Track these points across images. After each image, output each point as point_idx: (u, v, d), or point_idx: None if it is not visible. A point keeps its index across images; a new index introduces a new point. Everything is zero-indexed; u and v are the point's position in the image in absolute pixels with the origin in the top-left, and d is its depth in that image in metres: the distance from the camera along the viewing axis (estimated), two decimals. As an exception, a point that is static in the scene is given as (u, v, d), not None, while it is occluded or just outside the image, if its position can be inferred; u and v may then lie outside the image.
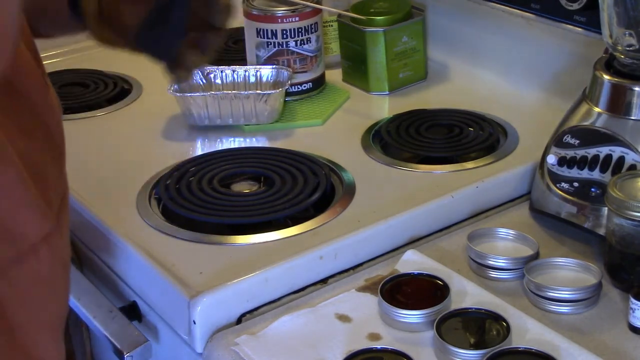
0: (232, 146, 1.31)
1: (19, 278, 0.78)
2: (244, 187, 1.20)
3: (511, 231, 1.07)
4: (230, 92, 1.34)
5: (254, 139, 1.33)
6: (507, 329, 0.90)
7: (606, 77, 1.07)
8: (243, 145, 1.31)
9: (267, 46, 1.40)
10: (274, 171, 1.20)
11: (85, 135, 1.36)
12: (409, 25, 1.44)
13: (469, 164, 1.21)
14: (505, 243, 1.06)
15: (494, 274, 1.02)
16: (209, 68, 1.41)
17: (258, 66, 1.41)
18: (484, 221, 1.14)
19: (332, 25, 1.52)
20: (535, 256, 1.03)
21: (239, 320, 0.99)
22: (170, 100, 1.36)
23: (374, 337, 0.93)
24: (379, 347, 0.91)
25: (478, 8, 1.44)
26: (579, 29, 1.29)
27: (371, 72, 1.44)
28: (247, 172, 1.22)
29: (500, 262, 1.02)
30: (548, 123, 1.15)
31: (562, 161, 1.08)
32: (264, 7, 1.40)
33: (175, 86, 1.35)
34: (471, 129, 1.29)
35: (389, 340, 0.92)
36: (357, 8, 1.46)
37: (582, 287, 0.96)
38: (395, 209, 1.11)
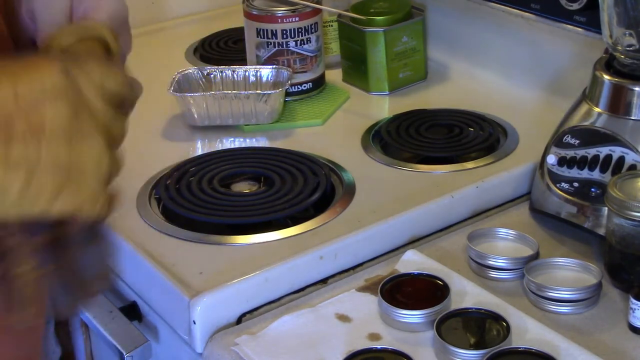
0: (232, 146, 1.31)
1: None
2: (244, 187, 1.20)
3: (511, 231, 1.07)
4: (230, 92, 1.34)
5: (254, 139, 1.32)
6: (507, 329, 0.89)
7: (606, 77, 1.07)
8: (243, 145, 1.31)
9: (267, 46, 1.40)
10: (274, 171, 1.20)
11: (85, 135, 1.35)
12: (409, 25, 1.44)
13: (469, 164, 1.21)
14: (505, 243, 1.06)
15: (494, 274, 1.02)
16: (208, 68, 1.41)
17: (258, 66, 1.41)
18: (484, 221, 1.14)
19: (332, 25, 1.52)
20: (535, 256, 1.03)
21: (239, 320, 0.99)
22: (170, 100, 1.36)
23: (374, 337, 0.93)
24: (379, 347, 0.91)
25: (478, 8, 1.44)
26: (579, 29, 1.29)
27: (371, 72, 1.44)
28: (247, 172, 1.22)
29: (500, 262, 1.02)
30: (548, 123, 1.15)
31: (562, 161, 1.08)
32: (264, 7, 1.40)
33: (175, 86, 1.35)
34: (471, 129, 1.29)
35: (389, 340, 0.92)
36: (357, 8, 1.46)
37: (582, 287, 0.96)
38: (395, 209, 1.11)
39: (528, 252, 1.04)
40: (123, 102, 0.70)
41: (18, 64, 0.65)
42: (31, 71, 0.65)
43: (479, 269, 1.03)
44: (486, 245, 1.05)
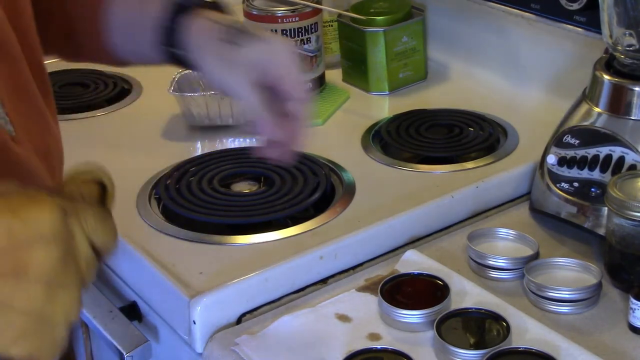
0: (232, 146, 1.31)
1: None
2: (244, 187, 1.20)
3: (511, 231, 1.07)
4: (230, 92, 1.34)
5: (254, 139, 1.32)
6: (507, 329, 0.89)
7: (606, 77, 1.07)
8: (243, 145, 1.31)
9: (267, 46, 1.40)
10: (274, 171, 1.20)
11: (85, 135, 1.35)
12: (409, 25, 1.44)
13: (469, 164, 1.21)
14: (505, 243, 1.06)
15: (494, 274, 1.02)
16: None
17: (258, 66, 1.40)
18: (484, 221, 1.14)
19: (332, 25, 1.52)
20: (535, 256, 1.03)
21: (239, 320, 0.99)
22: (170, 100, 1.36)
23: (374, 337, 0.93)
24: (379, 347, 0.91)
25: (478, 8, 1.44)
26: (579, 29, 1.29)
27: (371, 72, 1.44)
28: (247, 172, 1.22)
29: (500, 262, 1.02)
30: (548, 123, 1.15)
31: (562, 161, 1.08)
32: (264, 7, 1.40)
33: (175, 86, 1.35)
34: (471, 129, 1.29)
35: (389, 340, 0.92)
36: (357, 8, 1.46)
37: (582, 287, 0.96)
38: (395, 209, 1.11)
39: (528, 252, 1.04)
40: (103, 252, 0.70)
41: (20, 198, 0.64)
42: (31, 209, 0.64)
43: (479, 269, 1.03)
44: (486, 245, 1.05)
